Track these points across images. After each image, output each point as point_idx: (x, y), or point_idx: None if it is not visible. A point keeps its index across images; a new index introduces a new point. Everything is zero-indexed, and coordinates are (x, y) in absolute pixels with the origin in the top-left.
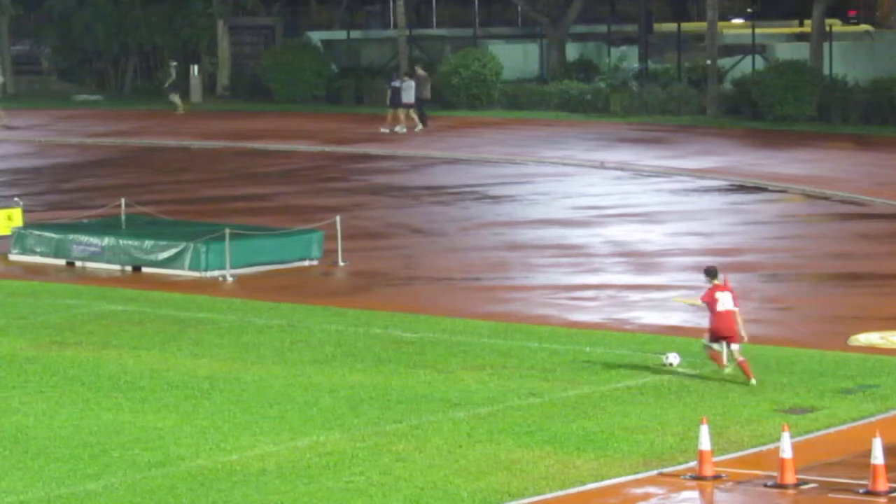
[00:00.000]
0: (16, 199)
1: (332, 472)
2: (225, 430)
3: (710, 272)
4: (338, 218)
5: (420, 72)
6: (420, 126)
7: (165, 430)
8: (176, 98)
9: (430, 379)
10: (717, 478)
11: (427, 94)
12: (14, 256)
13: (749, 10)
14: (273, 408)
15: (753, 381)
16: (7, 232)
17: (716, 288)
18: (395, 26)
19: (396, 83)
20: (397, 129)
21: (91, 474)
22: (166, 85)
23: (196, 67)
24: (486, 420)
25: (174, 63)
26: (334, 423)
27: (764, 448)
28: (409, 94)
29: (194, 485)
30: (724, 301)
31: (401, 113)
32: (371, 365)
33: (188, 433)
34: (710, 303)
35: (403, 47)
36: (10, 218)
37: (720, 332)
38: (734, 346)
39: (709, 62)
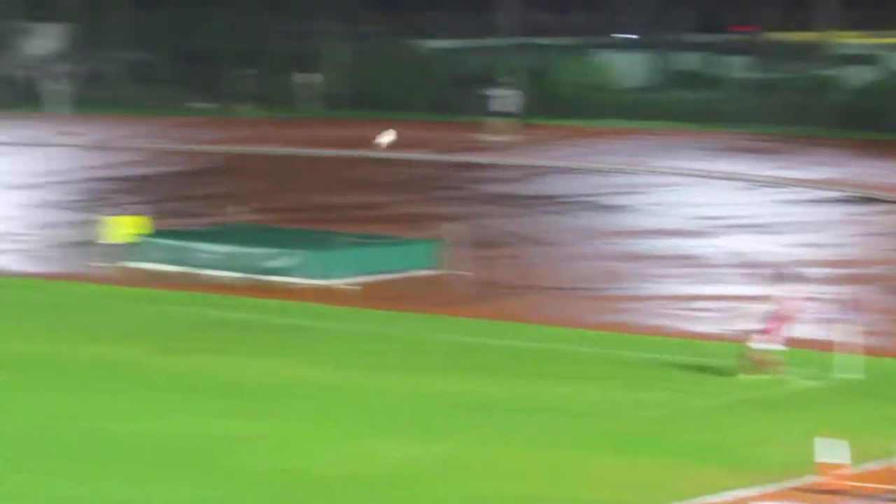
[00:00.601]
0: (141, 207)
1: (448, 482)
2: (341, 437)
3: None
4: (456, 228)
5: (511, 81)
6: (506, 136)
7: (288, 437)
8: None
9: (551, 388)
10: (845, 492)
11: (516, 104)
12: (136, 264)
13: None
14: (391, 415)
15: None
16: (130, 240)
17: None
18: (506, 35)
19: (493, 92)
20: (502, 137)
21: (210, 482)
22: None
23: (311, 76)
24: (607, 431)
25: (243, 71)
26: (454, 432)
27: (894, 461)
28: (506, 102)
29: (316, 492)
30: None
31: (498, 122)
32: (486, 374)
33: (307, 440)
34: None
35: (514, 56)
36: (133, 225)
37: None
38: None
39: (824, 72)
